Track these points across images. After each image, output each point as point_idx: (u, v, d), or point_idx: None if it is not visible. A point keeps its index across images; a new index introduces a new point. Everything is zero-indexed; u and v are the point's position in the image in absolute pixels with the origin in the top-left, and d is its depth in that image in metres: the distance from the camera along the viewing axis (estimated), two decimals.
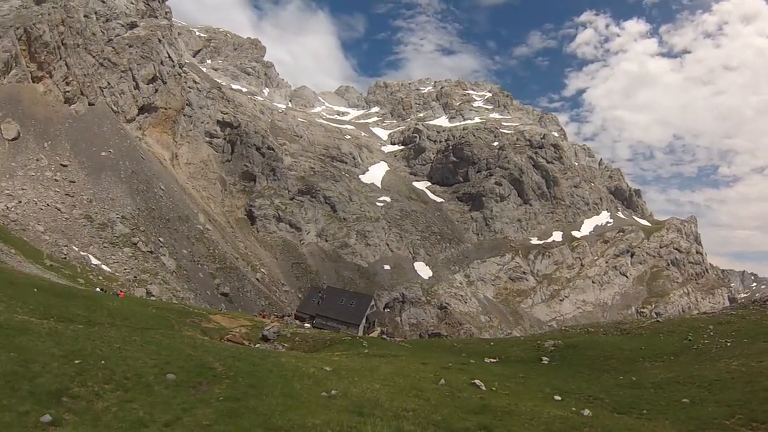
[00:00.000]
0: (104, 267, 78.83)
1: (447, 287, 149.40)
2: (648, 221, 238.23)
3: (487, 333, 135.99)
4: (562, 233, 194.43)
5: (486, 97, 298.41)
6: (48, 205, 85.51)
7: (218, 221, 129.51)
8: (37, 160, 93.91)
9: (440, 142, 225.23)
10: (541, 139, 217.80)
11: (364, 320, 79.41)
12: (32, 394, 12.85)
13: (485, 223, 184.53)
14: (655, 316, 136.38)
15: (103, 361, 17.35)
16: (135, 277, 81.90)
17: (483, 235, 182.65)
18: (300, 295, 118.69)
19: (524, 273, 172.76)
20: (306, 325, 69.56)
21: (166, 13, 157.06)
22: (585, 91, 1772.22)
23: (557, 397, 24.20)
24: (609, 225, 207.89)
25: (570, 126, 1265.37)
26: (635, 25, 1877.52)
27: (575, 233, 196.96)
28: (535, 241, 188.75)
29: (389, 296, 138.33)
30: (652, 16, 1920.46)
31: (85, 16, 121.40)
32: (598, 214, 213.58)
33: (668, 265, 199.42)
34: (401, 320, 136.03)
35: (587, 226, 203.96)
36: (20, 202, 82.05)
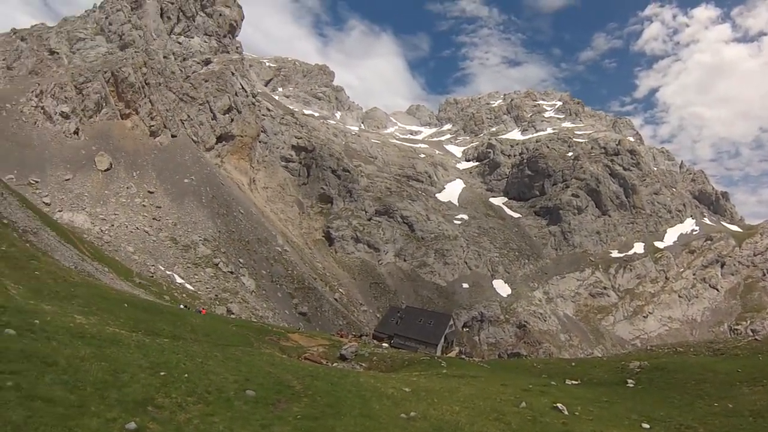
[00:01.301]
0: (188, 285, 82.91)
1: (526, 305, 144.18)
2: (739, 226, 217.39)
3: (567, 352, 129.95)
4: (644, 244, 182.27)
5: (557, 106, 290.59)
6: (137, 228, 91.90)
7: (296, 243, 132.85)
8: (127, 188, 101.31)
9: (514, 156, 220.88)
10: (617, 145, 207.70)
11: (442, 340, 77.59)
12: (120, 402, 13.08)
13: (563, 237, 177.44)
14: (751, 333, 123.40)
15: (186, 375, 17.59)
16: (216, 295, 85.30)
17: (562, 250, 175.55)
18: (378, 315, 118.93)
19: (605, 288, 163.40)
20: (384, 344, 68.58)
21: (237, 48, 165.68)
22: (658, 90, 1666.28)
23: (645, 425, 22.38)
24: (695, 233, 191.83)
25: (645, 129, 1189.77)
26: (704, 12, 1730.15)
27: (658, 244, 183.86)
28: (615, 254, 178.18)
29: (468, 315, 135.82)
30: None
31: (164, 57, 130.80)
32: (682, 221, 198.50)
33: (764, 275, 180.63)
34: (479, 339, 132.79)
35: (671, 236, 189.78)
36: (113, 225, 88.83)
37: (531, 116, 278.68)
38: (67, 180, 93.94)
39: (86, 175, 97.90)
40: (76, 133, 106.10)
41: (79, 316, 24.87)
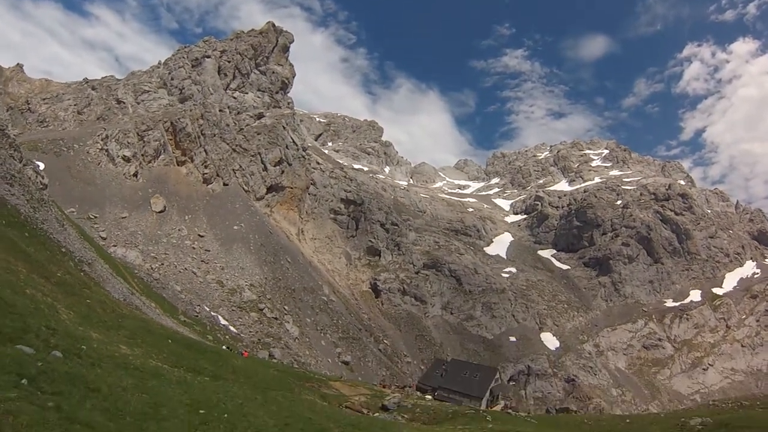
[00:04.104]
0: (231, 328, 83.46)
1: (575, 358, 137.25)
2: None
3: (619, 408, 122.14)
4: (700, 292, 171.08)
5: (603, 155, 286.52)
6: (186, 269, 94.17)
7: (342, 293, 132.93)
8: (179, 230, 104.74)
9: (562, 207, 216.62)
10: (667, 190, 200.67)
11: (487, 393, 75.24)
12: None
13: (614, 288, 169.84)
14: None
15: (226, 415, 17.27)
16: (259, 339, 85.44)
17: (612, 301, 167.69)
18: (422, 367, 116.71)
19: (660, 340, 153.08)
20: (428, 396, 66.97)
21: (288, 104, 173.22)
22: (704, 130, 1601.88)
23: None
24: (756, 276, 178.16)
25: (695, 171, 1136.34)
26: (743, 45, 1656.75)
27: (716, 290, 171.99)
28: (670, 303, 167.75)
29: (514, 369, 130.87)
30: (758, 30, 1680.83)
31: (220, 110, 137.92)
32: (741, 265, 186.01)
33: None
34: (526, 393, 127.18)
35: (730, 281, 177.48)
36: (162, 264, 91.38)
37: (578, 166, 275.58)
38: (123, 218, 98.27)
39: (141, 215, 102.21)
40: (135, 175, 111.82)
41: (124, 346, 24.82)
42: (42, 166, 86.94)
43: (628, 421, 44.31)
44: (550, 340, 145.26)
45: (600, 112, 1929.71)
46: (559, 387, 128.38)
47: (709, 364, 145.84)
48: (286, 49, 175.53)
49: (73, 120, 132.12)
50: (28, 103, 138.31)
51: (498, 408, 73.88)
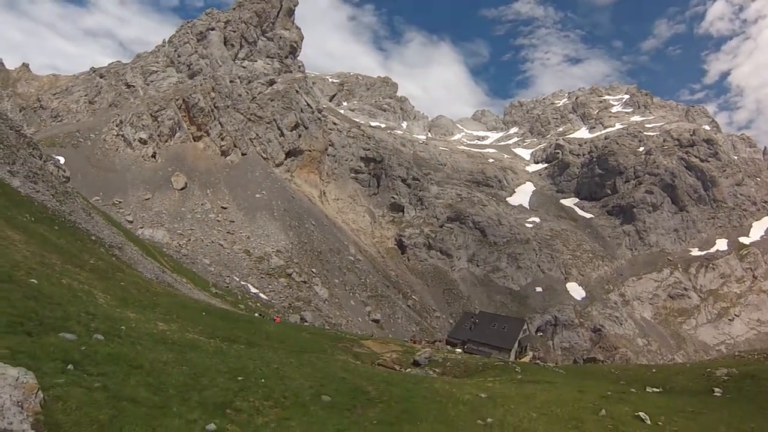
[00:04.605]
0: (262, 295, 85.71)
1: (601, 308, 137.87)
2: None
3: (645, 358, 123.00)
4: (727, 241, 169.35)
5: (624, 100, 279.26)
6: (212, 242, 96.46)
7: (369, 252, 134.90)
8: (202, 204, 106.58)
9: (583, 155, 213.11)
10: (691, 135, 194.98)
11: (516, 345, 76.04)
12: (200, 405, 13.35)
13: (639, 237, 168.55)
14: None
15: (263, 380, 17.87)
16: (290, 304, 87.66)
17: (637, 250, 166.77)
18: (451, 321, 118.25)
19: (685, 290, 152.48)
20: (457, 350, 68.09)
21: (299, 67, 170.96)
22: (729, 73, 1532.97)
23: None
24: None
25: (719, 116, 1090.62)
26: None
27: (743, 239, 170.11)
28: (695, 252, 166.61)
29: (541, 319, 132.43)
30: None
31: (230, 81, 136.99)
32: None
33: None
34: (553, 344, 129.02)
35: (758, 230, 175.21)
36: (189, 240, 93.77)
37: (598, 113, 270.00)
38: (147, 199, 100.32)
39: (164, 194, 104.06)
40: (153, 156, 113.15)
41: (161, 323, 25.87)
42: (62, 159, 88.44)
43: (654, 370, 44.64)
44: (575, 290, 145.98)
45: (618, 57, 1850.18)
46: (586, 337, 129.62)
47: (735, 315, 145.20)
48: (291, 13, 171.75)
49: (85, 111, 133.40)
50: (40, 101, 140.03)
51: (526, 359, 74.96)
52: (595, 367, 64.50)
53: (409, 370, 41.31)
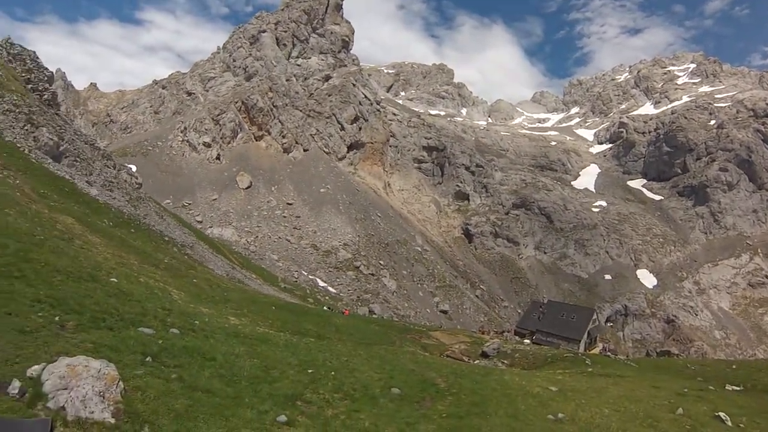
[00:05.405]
0: (330, 288, 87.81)
1: (674, 297, 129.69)
2: None
3: (723, 352, 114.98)
4: None
5: (690, 70, 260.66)
6: (280, 237, 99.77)
7: (436, 242, 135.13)
8: (267, 202, 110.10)
9: (649, 132, 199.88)
10: (767, 104, 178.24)
11: (585, 335, 73.39)
12: (271, 396, 13.61)
13: (714, 219, 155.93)
14: None
15: (332, 372, 18.11)
16: (358, 297, 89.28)
17: (712, 233, 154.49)
18: (519, 311, 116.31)
19: (767, 277, 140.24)
20: (526, 341, 66.92)
21: (353, 61, 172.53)
22: None
23: None
24: None
25: None
26: None
27: None
28: None
29: (611, 309, 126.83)
30: None
31: (287, 80, 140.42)
32: None
33: None
34: (624, 335, 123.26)
35: None
36: (257, 236, 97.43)
37: (662, 86, 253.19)
38: (214, 200, 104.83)
39: (230, 194, 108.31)
40: (218, 158, 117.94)
41: (233, 317, 26.77)
42: (134, 167, 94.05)
43: (734, 367, 41.64)
44: (646, 278, 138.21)
45: (681, 22, 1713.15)
46: (659, 328, 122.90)
47: None
48: (339, 8, 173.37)
49: (151, 120, 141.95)
50: (109, 115, 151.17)
51: (596, 351, 72.23)
52: (669, 361, 61.52)
53: (478, 361, 41.12)
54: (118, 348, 12.72)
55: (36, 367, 9.19)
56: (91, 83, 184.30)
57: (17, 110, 46.26)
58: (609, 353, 71.65)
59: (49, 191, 36.08)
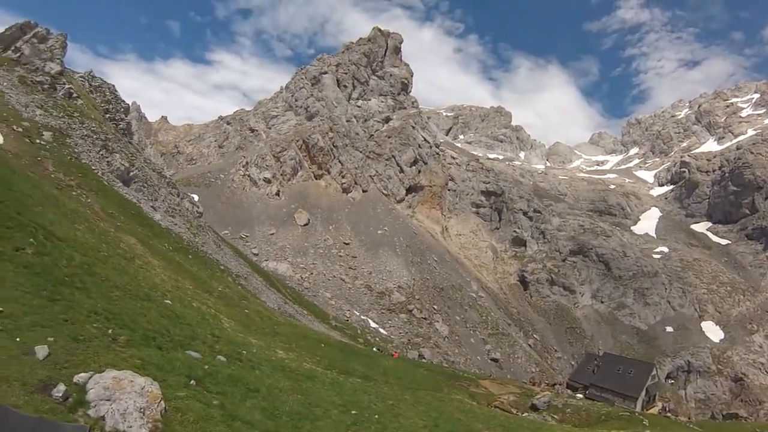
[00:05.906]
0: (381, 330, 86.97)
1: (743, 352, 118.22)
2: None
3: None
4: None
5: (754, 100, 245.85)
6: (334, 276, 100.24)
7: (491, 288, 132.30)
8: (324, 240, 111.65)
9: (713, 171, 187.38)
10: None
11: (643, 392, 68.37)
12: None
13: None
14: None
15: (377, 416, 17.55)
16: (409, 340, 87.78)
17: None
18: (573, 362, 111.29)
19: None
20: (578, 395, 63.11)
21: (412, 103, 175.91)
22: None
23: None
24: None
25: None
26: None
27: None
28: None
29: (672, 364, 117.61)
30: None
31: (347, 121, 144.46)
32: None
33: None
34: (686, 394, 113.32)
35: None
36: (312, 273, 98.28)
37: (725, 120, 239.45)
38: (271, 234, 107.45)
39: (288, 229, 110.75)
40: (277, 194, 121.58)
41: (281, 351, 26.55)
42: (196, 197, 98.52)
43: None
44: (712, 330, 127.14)
45: (740, 50, 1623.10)
46: (725, 387, 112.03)
47: None
48: (397, 51, 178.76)
49: (215, 154, 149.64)
50: (177, 147, 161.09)
51: (655, 410, 67.07)
52: (736, 425, 56.37)
53: (526, 414, 39.65)
54: (164, 368, 12.75)
55: (83, 374, 9.41)
56: (163, 116, 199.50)
57: (95, 136, 50.22)
58: (669, 414, 66.43)
59: (117, 212, 38.24)
